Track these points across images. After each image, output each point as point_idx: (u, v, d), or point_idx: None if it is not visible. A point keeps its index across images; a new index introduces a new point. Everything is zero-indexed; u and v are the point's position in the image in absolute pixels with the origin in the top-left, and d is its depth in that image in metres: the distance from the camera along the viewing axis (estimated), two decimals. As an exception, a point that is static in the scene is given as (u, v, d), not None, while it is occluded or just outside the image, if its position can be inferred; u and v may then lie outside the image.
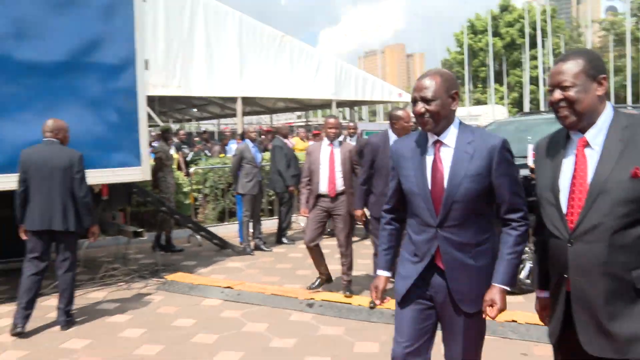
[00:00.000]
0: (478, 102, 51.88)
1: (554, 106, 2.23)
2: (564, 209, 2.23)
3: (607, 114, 2.22)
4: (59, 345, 4.87)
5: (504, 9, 54.35)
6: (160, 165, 8.27)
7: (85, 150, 5.50)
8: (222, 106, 29.97)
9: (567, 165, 2.26)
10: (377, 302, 2.93)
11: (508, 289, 2.60)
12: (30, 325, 5.14)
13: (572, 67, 2.20)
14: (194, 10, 18.58)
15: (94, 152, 6.05)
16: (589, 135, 2.22)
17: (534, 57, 48.88)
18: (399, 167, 2.80)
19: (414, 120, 5.50)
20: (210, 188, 10.51)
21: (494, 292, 2.59)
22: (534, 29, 48.06)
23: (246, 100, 23.14)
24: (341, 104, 29.72)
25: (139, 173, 6.57)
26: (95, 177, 6.12)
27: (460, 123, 2.71)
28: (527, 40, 48.49)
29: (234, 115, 33.83)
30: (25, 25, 5.97)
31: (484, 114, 39.43)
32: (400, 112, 5.63)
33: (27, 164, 5.14)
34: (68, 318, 5.30)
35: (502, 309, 2.58)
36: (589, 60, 2.22)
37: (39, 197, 5.11)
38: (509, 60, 52.57)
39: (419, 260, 2.71)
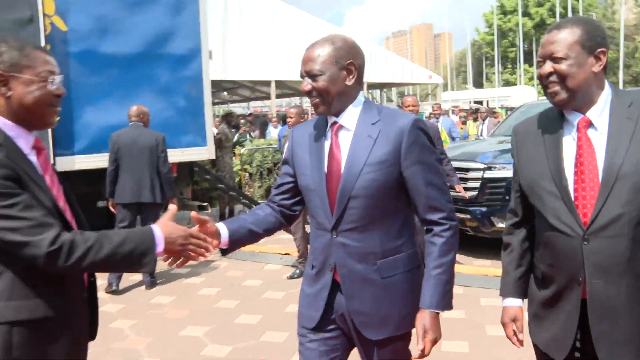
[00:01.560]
0: (507, 83, 51.79)
1: (542, 81, 1.94)
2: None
3: (606, 92, 1.94)
4: (148, 301, 5.66)
5: (534, -13, 54.00)
6: (220, 145, 9.02)
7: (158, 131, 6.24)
8: (252, 89, 30.70)
9: (567, 151, 1.95)
10: None
11: (439, 312, 2.08)
12: (120, 285, 5.94)
13: (566, 37, 1.89)
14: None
15: (166, 133, 6.79)
16: (592, 114, 1.93)
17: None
18: (294, 158, 2.28)
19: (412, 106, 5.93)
20: (256, 168, 11.25)
21: (423, 319, 2.07)
22: (565, 8, 47.71)
23: (278, 84, 23.77)
24: (371, 85, 30.26)
25: (205, 152, 7.34)
26: (168, 156, 6.88)
27: (366, 101, 2.19)
28: (557, 19, 48.21)
29: (264, 98, 34.67)
30: (107, 23, 6.74)
31: (514, 95, 39.47)
32: (407, 98, 6.19)
33: (117, 144, 5.89)
34: (152, 279, 6.08)
35: (435, 338, 2.07)
36: (587, 30, 1.90)
37: (129, 173, 5.86)
38: (539, 41, 52.22)
39: (316, 273, 2.22)
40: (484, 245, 7.14)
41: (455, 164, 7.05)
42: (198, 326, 4.92)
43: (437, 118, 10.80)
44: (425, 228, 2.17)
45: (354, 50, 2.14)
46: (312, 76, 2.10)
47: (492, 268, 6.22)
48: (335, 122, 2.17)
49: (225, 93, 34.22)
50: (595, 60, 1.90)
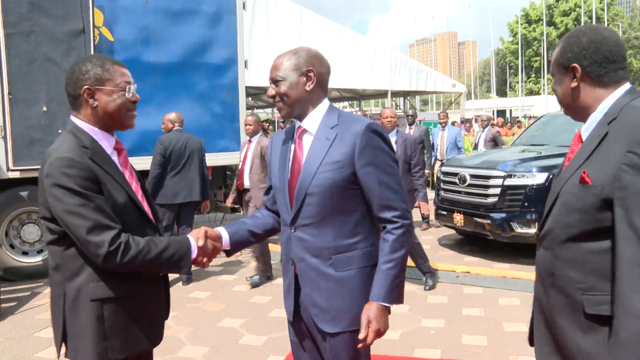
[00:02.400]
0: (531, 92, 51.70)
1: None
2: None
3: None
4: (186, 295, 6.05)
5: (560, -3, 53.90)
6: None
7: (195, 136, 6.65)
8: (250, 94, 31.15)
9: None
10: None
11: (387, 305, 2.20)
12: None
13: None
14: (256, 3, 19.62)
15: (203, 138, 7.19)
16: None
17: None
18: (270, 162, 2.50)
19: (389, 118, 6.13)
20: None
21: (370, 310, 2.18)
22: (590, 17, 47.58)
23: (304, 90, 24.08)
24: (395, 93, 30.51)
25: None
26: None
27: (330, 107, 2.35)
28: (583, 29, 48.02)
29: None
30: (150, 33, 7.17)
31: (537, 104, 39.48)
32: (386, 110, 6.40)
33: (169, 149, 6.31)
34: (188, 275, 6.46)
35: (379, 329, 2.18)
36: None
37: (180, 175, 6.32)
38: (564, 50, 52.12)
39: (283, 267, 2.45)
40: (503, 249, 7.44)
41: (476, 172, 7.37)
42: (234, 318, 5.29)
43: (443, 127, 10.93)
44: (380, 225, 2.29)
45: (315, 59, 2.31)
46: (275, 82, 2.30)
47: (510, 270, 6.51)
48: (299, 127, 2.36)
49: (250, 98, 34.71)
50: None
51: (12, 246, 6.76)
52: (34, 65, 6.44)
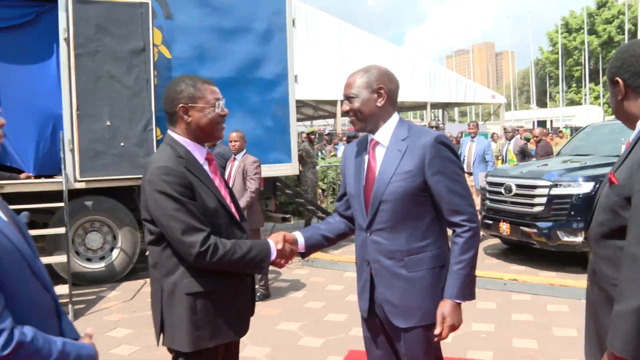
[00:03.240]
0: (572, 102, 51.02)
1: None
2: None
3: None
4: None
5: (602, 5, 53.08)
6: (302, 161, 9.71)
7: (248, 150, 6.93)
8: (316, 108, 31.48)
9: None
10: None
11: (459, 302, 2.40)
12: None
13: None
14: (296, 17, 19.95)
15: (255, 151, 7.48)
16: None
17: (632, 56, 47.52)
18: (345, 171, 2.72)
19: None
20: (328, 184, 11.88)
21: (444, 307, 2.38)
22: (635, 24, 46.76)
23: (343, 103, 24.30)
24: (434, 105, 30.58)
25: (289, 168, 8.03)
26: (256, 171, 7.59)
27: (400, 120, 2.55)
28: (626, 37, 47.27)
29: (327, 116, 35.39)
30: (204, 51, 7.53)
31: (578, 114, 38.94)
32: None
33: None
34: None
35: (453, 324, 2.38)
36: None
37: None
38: (606, 59, 51.35)
39: (358, 268, 2.64)
40: (548, 258, 7.54)
41: (522, 182, 7.51)
42: (292, 322, 5.55)
43: (472, 138, 10.26)
44: (450, 229, 2.47)
45: (385, 77, 2.51)
46: (349, 98, 2.51)
47: (557, 278, 6.61)
48: (372, 139, 2.55)
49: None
50: None
51: (77, 252, 7.15)
52: (99, 83, 6.84)
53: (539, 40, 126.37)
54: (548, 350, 4.67)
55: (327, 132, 27.62)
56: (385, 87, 2.49)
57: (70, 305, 5.86)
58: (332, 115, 32.19)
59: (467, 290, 2.40)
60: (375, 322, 2.62)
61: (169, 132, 2.54)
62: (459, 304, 2.40)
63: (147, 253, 2.72)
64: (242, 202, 5.95)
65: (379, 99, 2.49)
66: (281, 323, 5.52)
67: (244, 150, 6.46)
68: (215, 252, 2.34)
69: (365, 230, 2.51)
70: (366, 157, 2.58)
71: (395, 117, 2.56)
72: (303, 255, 2.76)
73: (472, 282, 2.44)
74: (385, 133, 2.52)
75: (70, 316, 5.73)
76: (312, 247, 2.75)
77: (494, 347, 4.76)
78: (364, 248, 2.54)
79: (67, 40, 6.69)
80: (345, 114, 2.58)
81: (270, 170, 7.89)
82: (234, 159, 6.45)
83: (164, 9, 7.36)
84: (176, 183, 2.34)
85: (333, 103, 25.04)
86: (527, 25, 50.73)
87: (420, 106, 31.29)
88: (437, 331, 2.36)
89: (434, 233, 2.48)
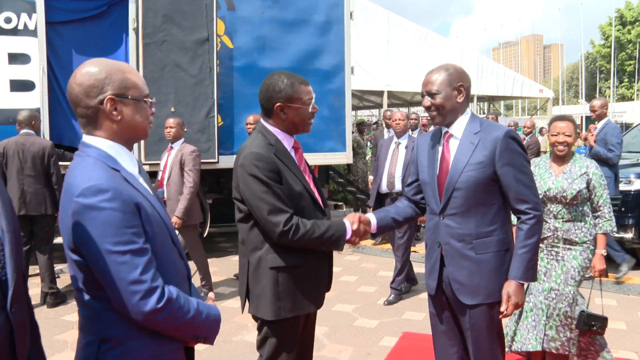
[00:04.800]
0: (623, 98, 49.75)
1: None
2: None
3: None
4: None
5: (659, -2, 51.56)
6: (353, 152, 9.93)
7: (304, 138, 7.16)
8: (361, 98, 31.56)
9: None
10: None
11: (523, 282, 2.62)
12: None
13: None
14: (354, 9, 20.02)
15: (311, 139, 7.70)
16: None
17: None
18: (418, 160, 2.94)
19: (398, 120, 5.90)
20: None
21: (509, 287, 2.62)
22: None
23: (388, 94, 24.34)
24: (480, 98, 30.29)
25: (344, 157, 8.24)
26: (311, 159, 7.82)
27: (472, 115, 2.78)
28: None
29: (372, 107, 35.42)
30: (265, 41, 7.79)
31: (630, 110, 38.03)
32: (394, 113, 6.51)
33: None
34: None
35: (517, 302, 2.61)
36: None
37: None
38: (663, 53, 49.89)
39: (429, 249, 2.87)
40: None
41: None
42: (346, 304, 5.79)
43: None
44: (515, 215, 2.72)
45: (463, 75, 2.76)
46: (431, 95, 2.73)
47: (609, 273, 6.69)
48: (447, 132, 2.79)
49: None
50: None
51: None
52: (165, 71, 7.16)
53: (590, 33, 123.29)
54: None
55: (373, 121, 27.70)
56: (464, 84, 2.74)
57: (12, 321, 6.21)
58: (378, 106, 32.19)
59: (530, 273, 2.64)
60: (441, 299, 2.85)
61: (262, 121, 2.79)
62: (522, 284, 2.63)
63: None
64: (183, 200, 5.63)
65: (459, 95, 2.72)
66: (336, 305, 5.76)
67: (182, 139, 6.00)
68: (296, 231, 2.57)
69: (438, 214, 2.74)
70: (440, 148, 2.80)
71: (468, 112, 2.79)
72: (374, 235, 3.05)
73: (535, 265, 2.69)
74: (459, 127, 2.75)
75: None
76: (383, 228, 3.00)
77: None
78: (436, 231, 2.77)
79: (136, 30, 7.02)
80: (427, 109, 2.77)
81: (325, 158, 8.13)
82: (171, 147, 6.04)
83: (227, 1, 7.63)
84: (266, 168, 2.59)
85: (379, 94, 25.05)
86: (578, 18, 49.69)
87: (467, 99, 31.11)
88: (502, 308, 2.60)
89: (501, 219, 2.71)
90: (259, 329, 2.79)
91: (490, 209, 2.68)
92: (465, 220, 2.67)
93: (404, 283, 6.09)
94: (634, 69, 50.15)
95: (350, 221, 2.77)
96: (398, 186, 5.98)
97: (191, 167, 5.75)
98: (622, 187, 7.05)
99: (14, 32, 7.10)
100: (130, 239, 1.60)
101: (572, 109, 44.64)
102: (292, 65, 7.90)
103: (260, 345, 2.78)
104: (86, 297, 1.66)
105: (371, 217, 2.93)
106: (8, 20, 7.08)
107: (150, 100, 1.82)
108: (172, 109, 7.22)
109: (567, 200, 3.70)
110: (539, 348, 3.68)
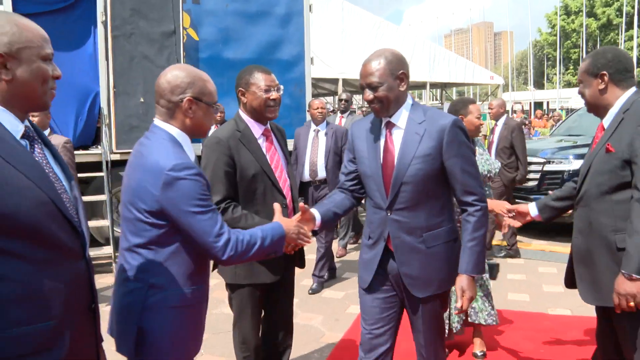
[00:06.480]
0: (569, 85, 51.45)
1: None
2: None
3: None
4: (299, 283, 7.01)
5: (604, -13, 53.28)
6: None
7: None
8: (315, 86, 31.91)
9: None
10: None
11: (474, 275, 2.58)
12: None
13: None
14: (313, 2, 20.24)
15: (274, 127, 8.09)
16: None
17: (630, 39, 47.97)
18: (355, 149, 2.77)
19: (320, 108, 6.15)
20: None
21: (462, 281, 2.56)
22: (634, 7, 46.99)
23: (343, 81, 24.78)
24: (433, 85, 31.03)
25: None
26: (275, 145, 8.26)
27: (413, 103, 2.64)
28: (624, 20, 47.60)
29: (326, 94, 35.84)
30: (229, 33, 8.14)
31: (575, 96, 39.31)
32: (315, 101, 6.55)
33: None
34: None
35: (472, 296, 2.56)
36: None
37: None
38: (604, 42, 51.62)
39: (373, 243, 2.72)
40: (540, 229, 8.27)
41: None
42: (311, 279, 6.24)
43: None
44: (461, 208, 2.65)
45: (402, 61, 2.59)
46: (373, 87, 2.55)
47: (548, 245, 7.36)
48: (389, 122, 2.63)
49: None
50: None
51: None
52: (133, 63, 7.43)
53: (538, 22, 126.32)
54: (538, 302, 5.40)
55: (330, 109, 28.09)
56: (405, 71, 2.60)
57: (114, 264, 6.56)
58: (332, 93, 32.64)
59: (480, 265, 2.61)
60: (380, 294, 2.76)
61: (239, 110, 3.23)
62: (474, 278, 2.60)
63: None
64: None
65: (402, 84, 2.59)
66: (304, 280, 6.20)
67: (48, 129, 5.23)
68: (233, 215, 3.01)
69: (386, 210, 2.64)
70: (382, 139, 2.67)
71: (409, 100, 2.67)
72: (315, 232, 2.87)
73: (484, 257, 2.67)
74: (402, 116, 2.63)
75: (114, 274, 6.43)
76: (325, 224, 2.84)
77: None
78: (383, 225, 2.67)
79: (104, 23, 7.27)
80: (369, 102, 2.59)
81: (289, 145, 8.53)
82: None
83: (193, -6, 7.95)
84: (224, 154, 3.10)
85: (334, 81, 25.45)
86: (527, 6, 50.98)
87: (419, 86, 31.78)
88: (458, 305, 2.56)
89: (448, 209, 2.69)
90: (227, 289, 3.31)
91: (439, 200, 2.63)
92: (415, 214, 2.59)
93: (326, 271, 6.16)
94: (578, 56, 51.83)
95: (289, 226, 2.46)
96: (321, 174, 6.12)
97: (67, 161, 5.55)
98: (563, 167, 7.70)
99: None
100: (208, 203, 2.04)
101: (521, 95, 46.04)
102: (255, 56, 8.29)
103: (230, 304, 3.33)
104: (144, 251, 2.07)
105: (315, 213, 2.77)
106: (-23, 13, 7.24)
107: (217, 106, 2.26)
108: (142, 99, 7.51)
109: (491, 180, 4.12)
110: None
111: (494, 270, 6.05)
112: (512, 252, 7.00)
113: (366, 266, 2.75)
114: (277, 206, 2.59)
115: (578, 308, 4.80)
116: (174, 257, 2.07)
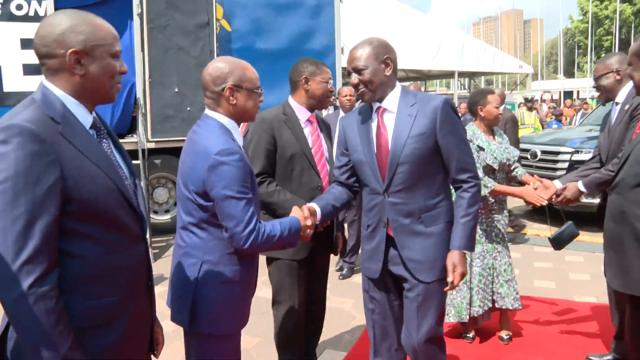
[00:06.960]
0: (601, 73, 50.42)
1: None
2: None
3: None
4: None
5: (637, -29, 52.05)
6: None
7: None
8: (343, 75, 31.93)
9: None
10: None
11: (466, 251, 2.59)
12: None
13: None
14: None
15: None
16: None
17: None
18: (347, 141, 2.79)
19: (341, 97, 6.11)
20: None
21: (453, 257, 2.56)
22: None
23: (371, 71, 24.61)
24: (461, 74, 30.80)
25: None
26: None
27: (403, 88, 2.68)
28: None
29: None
30: (261, 24, 8.32)
31: (606, 85, 38.72)
32: (344, 88, 6.38)
33: None
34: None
35: (463, 272, 2.56)
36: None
37: None
38: (639, 28, 50.53)
39: (372, 231, 2.71)
40: (568, 217, 8.29)
41: (546, 148, 8.25)
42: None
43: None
44: (455, 186, 2.67)
45: (389, 47, 2.66)
46: (358, 71, 2.62)
47: (586, 236, 7.42)
48: (379, 107, 2.67)
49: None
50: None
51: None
52: (168, 54, 7.66)
53: (569, 9, 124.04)
54: (565, 290, 5.50)
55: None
56: (390, 57, 2.65)
57: (150, 249, 6.80)
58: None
59: (472, 242, 2.63)
60: (385, 282, 2.79)
61: (290, 98, 3.39)
62: (465, 253, 2.61)
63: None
64: None
65: (387, 68, 2.64)
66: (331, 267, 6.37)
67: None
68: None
69: (382, 193, 2.65)
70: (373, 124, 2.70)
71: (398, 86, 2.71)
72: (316, 226, 2.78)
73: (475, 234, 2.68)
74: (392, 100, 2.66)
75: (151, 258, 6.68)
76: (325, 218, 2.82)
77: (519, 286, 5.60)
78: (381, 211, 2.68)
79: (140, 15, 7.49)
80: (355, 86, 2.65)
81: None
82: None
83: (225, -14, 8.13)
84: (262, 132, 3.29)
85: (362, 71, 25.43)
86: (557, -7, 50.10)
87: (447, 75, 31.58)
88: (449, 279, 2.56)
89: (446, 189, 2.71)
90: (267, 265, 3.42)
91: (436, 180, 2.64)
92: (412, 195, 2.60)
93: (356, 257, 6.24)
94: (611, 44, 50.77)
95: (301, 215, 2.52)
96: None
97: None
98: (582, 156, 7.74)
99: (25, 18, 7.52)
100: (245, 190, 2.17)
101: (550, 84, 45.43)
102: (286, 46, 8.46)
103: (270, 278, 3.42)
104: (197, 230, 2.26)
105: (316, 207, 2.77)
106: (19, 7, 7.50)
107: (260, 91, 2.40)
108: (176, 90, 7.74)
109: (510, 168, 4.22)
110: (489, 306, 4.15)
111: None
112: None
113: (371, 256, 2.76)
114: (296, 208, 2.56)
115: (604, 296, 4.88)
116: (223, 236, 2.23)
